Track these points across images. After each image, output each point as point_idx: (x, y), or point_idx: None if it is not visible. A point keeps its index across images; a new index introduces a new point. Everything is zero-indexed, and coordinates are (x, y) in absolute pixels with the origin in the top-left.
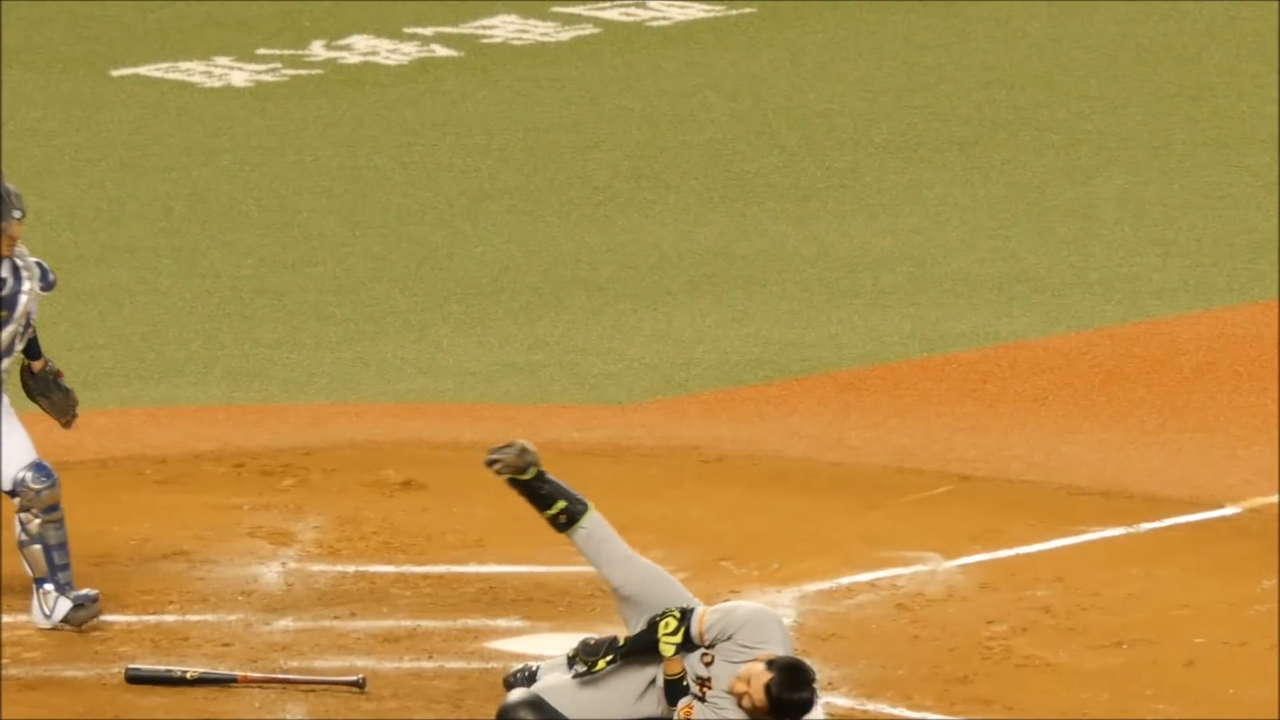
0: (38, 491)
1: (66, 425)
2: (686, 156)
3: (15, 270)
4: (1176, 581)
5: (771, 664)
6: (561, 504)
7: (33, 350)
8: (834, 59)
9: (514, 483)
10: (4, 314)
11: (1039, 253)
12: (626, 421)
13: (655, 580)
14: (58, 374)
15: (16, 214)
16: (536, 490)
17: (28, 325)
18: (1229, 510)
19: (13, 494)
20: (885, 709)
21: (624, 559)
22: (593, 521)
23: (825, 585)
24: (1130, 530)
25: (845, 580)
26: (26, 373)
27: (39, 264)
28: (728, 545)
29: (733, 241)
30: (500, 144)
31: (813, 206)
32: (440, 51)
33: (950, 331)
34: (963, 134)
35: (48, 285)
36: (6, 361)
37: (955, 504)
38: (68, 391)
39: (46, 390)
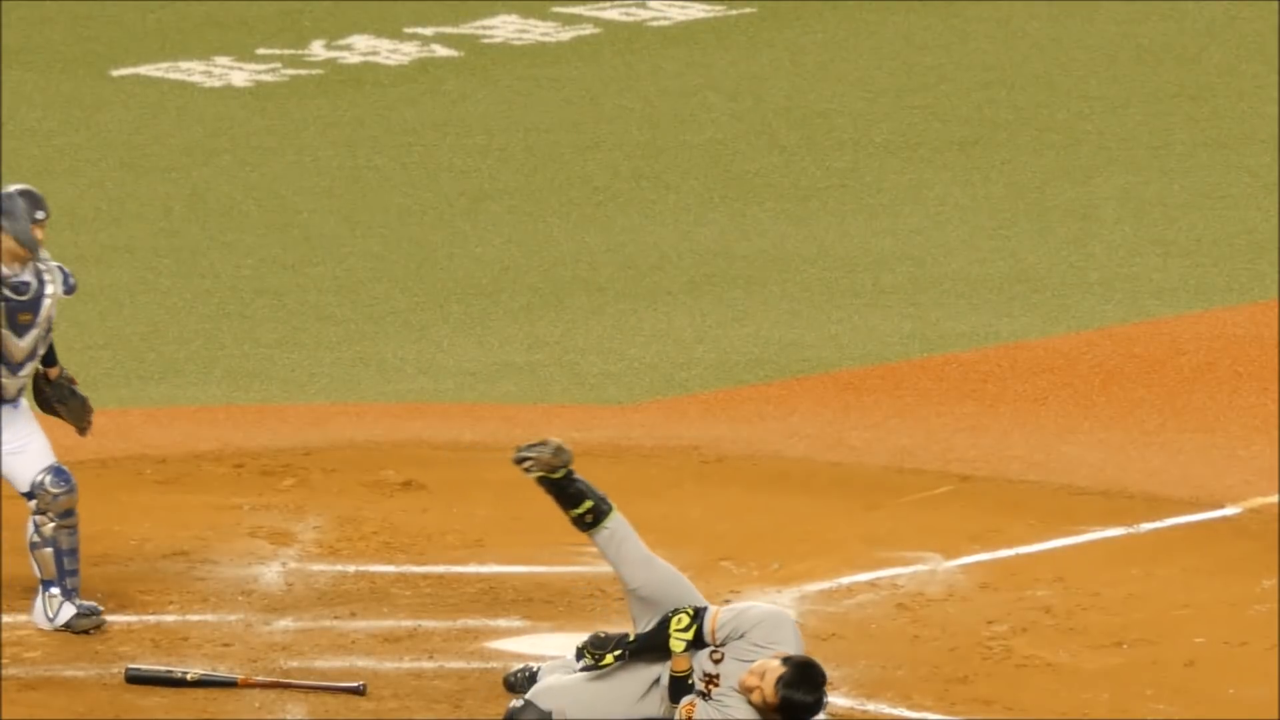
0: (55, 496)
1: (83, 432)
2: (686, 156)
3: (38, 274)
4: (1176, 581)
5: (787, 660)
6: (589, 503)
7: (49, 358)
8: (834, 59)
9: (543, 481)
10: (29, 317)
11: (1039, 253)
12: (626, 421)
13: (672, 582)
14: (72, 381)
15: (40, 215)
16: (565, 489)
17: (48, 330)
18: (1229, 510)
19: (30, 496)
20: (885, 709)
21: (644, 560)
22: (616, 521)
23: (825, 585)
24: (1130, 530)
25: (845, 580)
26: (42, 380)
27: (59, 267)
28: (728, 545)
29: (733, 241)
30: (500, 144)
31: (813, 206)
32: (440, 51)
33: (950, 331)
34: (963, 134)
35: (69, 289)
36: (30, 366)
37: (955, 504)
38: (84, 399)
39: (63, 398)
